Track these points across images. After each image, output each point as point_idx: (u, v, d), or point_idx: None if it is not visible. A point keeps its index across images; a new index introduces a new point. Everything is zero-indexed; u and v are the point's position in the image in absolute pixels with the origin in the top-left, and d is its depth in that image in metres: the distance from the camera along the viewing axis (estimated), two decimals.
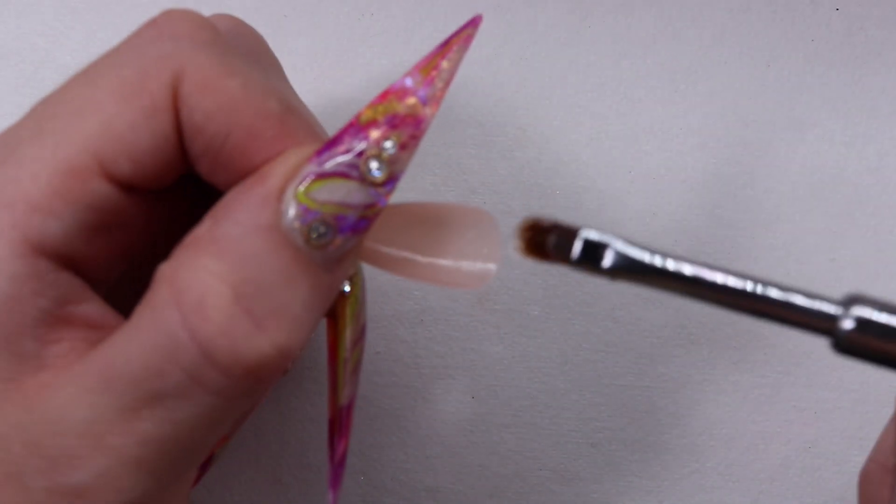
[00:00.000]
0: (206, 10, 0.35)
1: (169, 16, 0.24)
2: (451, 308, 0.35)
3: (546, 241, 0.24)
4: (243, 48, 0.26)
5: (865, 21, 0.36)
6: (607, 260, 0.24)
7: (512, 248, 0.24)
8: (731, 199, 0.35)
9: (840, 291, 0.24)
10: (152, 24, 0.24)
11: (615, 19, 0.36)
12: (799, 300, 0.23)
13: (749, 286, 0.23)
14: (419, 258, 0.25)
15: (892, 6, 0.36)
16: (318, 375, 0.35)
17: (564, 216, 0.35)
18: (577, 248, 0.24)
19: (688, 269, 0.23)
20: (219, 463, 0.34)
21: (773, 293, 0.23)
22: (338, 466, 0.26)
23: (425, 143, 0.35)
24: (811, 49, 0.36)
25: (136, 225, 0.23)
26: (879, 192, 0.35)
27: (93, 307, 0.23)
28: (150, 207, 0.23)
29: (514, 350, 0.35)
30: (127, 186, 0.23)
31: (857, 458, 0.35)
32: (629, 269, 0.23)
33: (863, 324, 0.22)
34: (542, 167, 0.36)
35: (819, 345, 0.35)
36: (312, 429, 0.35)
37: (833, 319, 0.22)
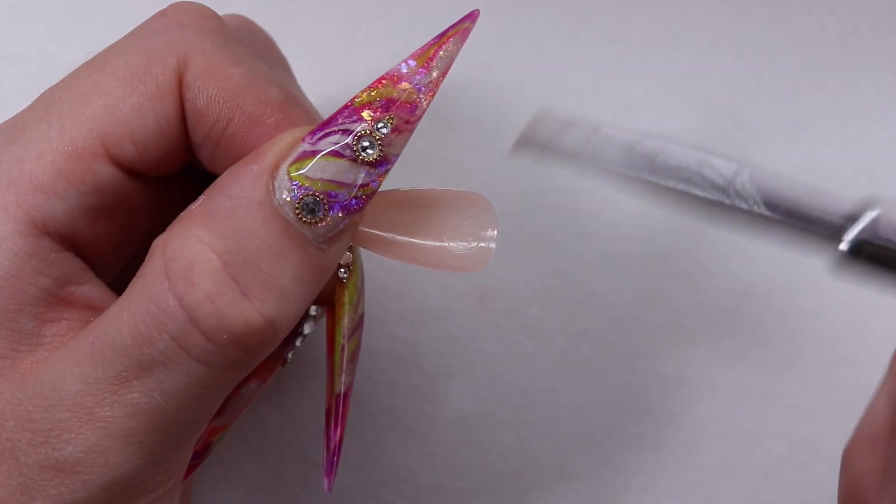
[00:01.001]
0: None
1: (177, 7, 0.24)
2: (452, 307, 0.35)
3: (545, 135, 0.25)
4: (251, 44, 0.26)
5: (859, 24, 0.37)
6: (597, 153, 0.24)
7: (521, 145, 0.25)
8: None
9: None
10: (160, 14, 0.24)
11: (613, 22, 0.37)
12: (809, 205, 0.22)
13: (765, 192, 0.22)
14: (417, 242, 0.25)
15: (886, 9, 0.37)
16: (319, 373, 0.35)
17: (562, 217, 0.36)
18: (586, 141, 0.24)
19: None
20: (220, 459, 0.35)
21: (785, 196, 0.22)
22: (333, 454, 0.27)
23: (426, 144, 0.36)
24: (806, 51, 0.36)
25: (139, 210, 0.24)
26: (873, 192, 0.36)
27: (93, 289, 0.23)
28: (154, 194, 0.24)
29: (514, 349, 0.35)
30: (130, 170, 0.23)
31: None
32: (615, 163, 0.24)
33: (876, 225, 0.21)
34: (541, 169, 0.36)
35: (814, 344, 0.36)
36: (314, 425, 0.35)
37: (847, 223, 0.22)
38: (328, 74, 0.36)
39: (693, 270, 0.35)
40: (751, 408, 0.35)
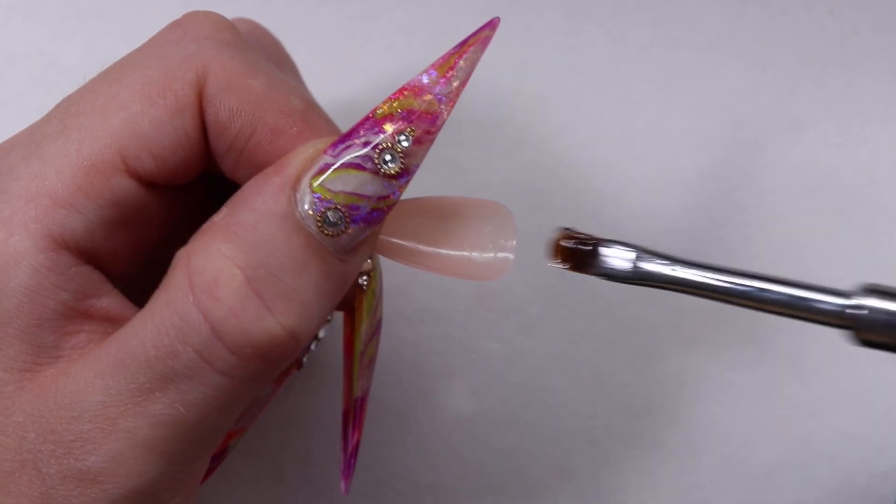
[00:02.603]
0: None
1: (192, 17, 0.24)
2: (451, 307, 0.35)
3: (579, 254, 0.25)
4: (262, 51, 0.26)
5: (859, 24, 0.37)
6: (629, 271, 0.25)
7: (549, 261, 0.25)
8: (727, 199, 0.36)
9: None
10: (176, 25, 0.24)
11: (612, 23, 0.37)
12: (814, 296, 0.23)
13: (765, 287, 0.23)
14: (438, 251, 0.25)
15: (886, 9, 0.37)
16: (320, 373, 0.35)
17: (562, 217, 0.36)
18: (605, 261, 0.25)
19: (712, 280, 0.24)
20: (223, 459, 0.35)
21: (789, 292, 0.23)
22: (350, 457, 0.27)
23: None
24: (805, 52, 0.37)
25: (155, 219, 0.24)
26: (872, 192, 0.36)
27: (112, 301, 0.23)
28: (169, 202, 0.24)
29: (514, 348, 0.35)
30: (149, 182, 0.23)
31: (852, 455, 0.35)
32: (652, 279, 0.25)
33: (875, 317, 0.22)
34: (541, 168, 0.36)
35: (814, 343, 0.36)
36: (316, 426, 0.35)
37: (846, 314, 0.22)
38: (328, 74, 0.36)
39: None
40: (751, 408, 0.35)
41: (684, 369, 0.35)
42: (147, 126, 0.23)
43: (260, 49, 0.26)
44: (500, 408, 0.35)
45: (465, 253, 0.25)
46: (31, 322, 0.22)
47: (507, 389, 0.35)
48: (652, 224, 0.35)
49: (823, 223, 0.36)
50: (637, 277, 0.25)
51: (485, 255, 0.25)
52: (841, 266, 0.35)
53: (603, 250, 0.25)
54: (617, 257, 0.25)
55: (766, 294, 0.24)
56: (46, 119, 0.24)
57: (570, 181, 0.36)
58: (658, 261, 0.25)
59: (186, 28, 0.24)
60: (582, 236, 0.26)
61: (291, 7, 0.37)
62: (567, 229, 0.26)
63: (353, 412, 0.27)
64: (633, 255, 0.25)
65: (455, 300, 0.35)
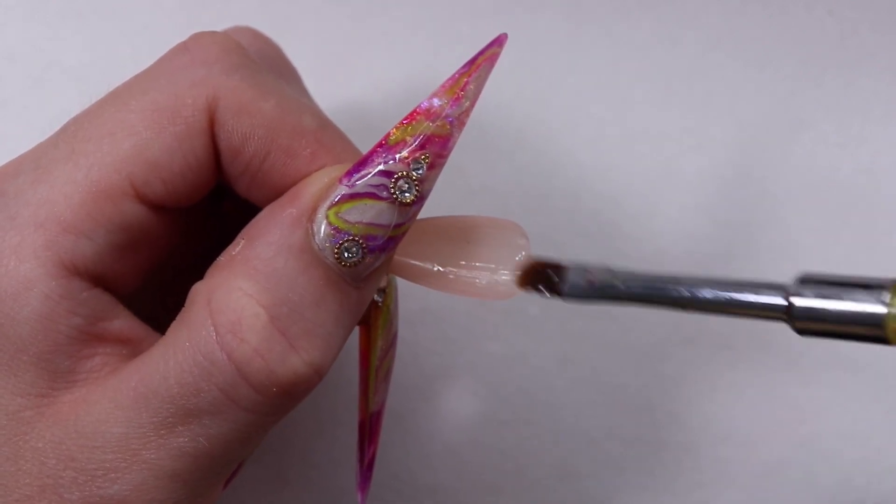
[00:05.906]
0: (211, 13, 0.36)
1: (199, 40, 0.24)
2: (451, 307, 0.35)
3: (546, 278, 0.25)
4: (265, 62, 0.26)
5: (859, 25, 0.37)
6: (565, 288, 0.25)
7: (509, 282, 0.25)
8: (727, 199, 0.36)
9: None
10: (183, 49, 0.24)
11: (613, 23, 0.37)
12: (749, 297, 0.23)
13: (703, 294, 0.23)
14: (451, 271, 0.25)
15: (886, 9, 0.37)
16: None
17: (562, 217, 0.36)
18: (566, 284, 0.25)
19: (638, 290, 0.24)
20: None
21: (728, 295, 0.23)
22: (367, 470, 0.27)
23: None
24: (805, 52, 0.37)
25: (163, 239, 0.24)
26: (872, 192, 0.36)
27: (124, 322, 0.23)
28: (176, 222, 0.24)
29: (514, 349, 0.35)
30: (157, 206, 0.23)
31: (851, 456, 0.35)
32: (593, 296, 0.24)
33: (807, 311, 0.22)
34: (541, 169, 0.36)
35: (814, 343, 0.36)
36: (316, 427, 0.35)
37: (783, 310, 0.22)
38: (329, 74, 0.36)
39: (693, 270, 0.35)
40: (750, 408, 0.35)
41: (684, 370, 0.35)
42: (157, 152, 0.23)
43: (264, 61, 0.26)
44: (500, 408, 0.35)
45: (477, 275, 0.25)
46: (45, 349, 0.22)
47: (507, 390, 0.35)
48: (652, 224, 0.35)
49: (823, 222, 0.36)
50: (595, 296, 0.25)
51: (502, 276, 0.25)
52: (841, 266, 0.35)
53: (566, 273, 0.25)
54: (576, 280, 0.25)
55: (717, 299, 0.23)
56: (53, 142, 0.23)
57: (570, 181, 0.36)
58: (618, 283, 0.24)
59: (194, 52, 0.24)
60: (546, 262, 0.25)
61: (291, 6, 0.36)
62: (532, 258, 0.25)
63: (369, 426, 0.27)
64: (587, 275, 0.25)
65: (455, 301, 0.35)
